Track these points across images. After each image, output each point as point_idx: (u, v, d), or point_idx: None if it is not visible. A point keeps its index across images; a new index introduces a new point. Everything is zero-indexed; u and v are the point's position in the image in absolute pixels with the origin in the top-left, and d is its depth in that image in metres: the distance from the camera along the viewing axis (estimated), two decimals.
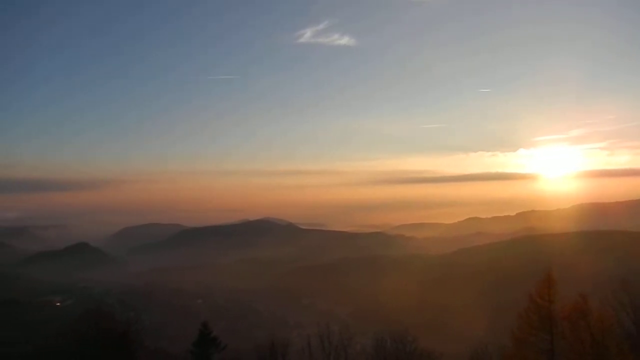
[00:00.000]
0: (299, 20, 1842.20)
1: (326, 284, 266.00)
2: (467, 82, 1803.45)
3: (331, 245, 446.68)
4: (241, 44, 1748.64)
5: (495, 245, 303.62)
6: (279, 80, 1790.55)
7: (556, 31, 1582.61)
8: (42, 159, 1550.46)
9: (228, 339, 54.86)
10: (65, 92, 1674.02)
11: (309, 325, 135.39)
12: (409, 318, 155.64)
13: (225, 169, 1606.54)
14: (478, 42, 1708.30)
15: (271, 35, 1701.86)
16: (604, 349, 34.34)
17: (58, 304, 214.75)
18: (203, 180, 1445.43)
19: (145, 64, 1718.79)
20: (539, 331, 37.26)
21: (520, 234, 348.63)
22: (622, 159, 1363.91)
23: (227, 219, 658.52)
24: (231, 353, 55.94)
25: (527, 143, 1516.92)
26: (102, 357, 49.78)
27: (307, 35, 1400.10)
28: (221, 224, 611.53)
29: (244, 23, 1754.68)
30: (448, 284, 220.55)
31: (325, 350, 47.48)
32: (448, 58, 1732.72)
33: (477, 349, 51.55)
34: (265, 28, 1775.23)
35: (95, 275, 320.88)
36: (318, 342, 48.14)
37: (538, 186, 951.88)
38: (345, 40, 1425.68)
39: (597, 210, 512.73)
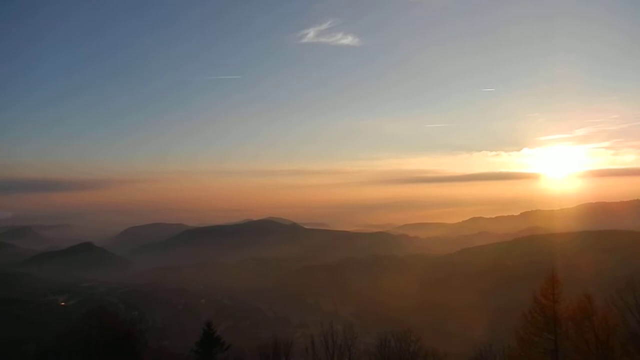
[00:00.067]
0: (303, 20, 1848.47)
1: (330, 283, 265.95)
2: (471, 82, 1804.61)
3: (335, 245, 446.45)
4: (244, 44, 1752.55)
5: (499, 245, 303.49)
6: (283, 80, 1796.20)
7: (560, 30, 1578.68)
8: (44, 159, 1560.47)
9: (231, 339, 54.85)
10: (65, 93, 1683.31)
11: (313, 324, 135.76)
12: (412, 318, 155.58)
13: (228, 169, 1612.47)
14: (481, 41, 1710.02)
15: (275, 35, 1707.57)
16: (609, 350, 34.19)
17: (62, 303, 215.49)
18: (206, 180, 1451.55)
19: (147, 64, 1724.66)
20: (544, 331, 37.13)
21: (524, 233, 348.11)
22: (626, 159, 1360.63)
23: (231, 219, 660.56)
24: (235, 353, 55.88)
25: (531, 142, 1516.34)
26: (106, 357, 49.81)
27: (310, 35, 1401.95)
28: (224, 223, 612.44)
29: (247, 23, 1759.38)
30: (451, 284, 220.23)
31: (329, 350, 47.29)
32: (451, 57, 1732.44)
33: (481, 348, 51.34)
34: (269, 28, 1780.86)
35: (98, 275, 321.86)
36: (322, 341, 47.95)
37: (542, 186, 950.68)
38: (348, 40, 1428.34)
39: (602, 209, 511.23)
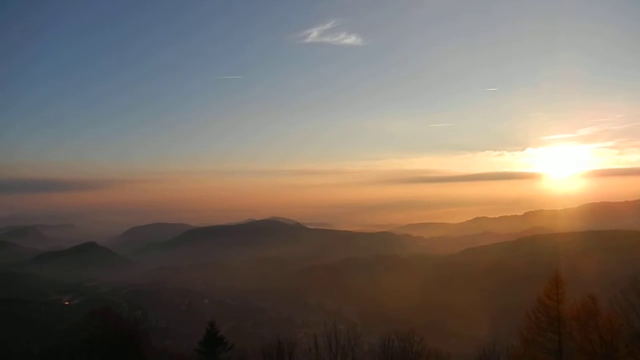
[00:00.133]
0: (306, 19, 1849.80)
1: (333, 283, 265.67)
2: (474, 81, 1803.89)
3: (338, 245, 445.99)
4: (246, 44, 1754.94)
5: (502, 245, 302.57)
6: (285, 79, 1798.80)
7: (563, 28, 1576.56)
8: (44, 159, 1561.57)
9: (235, 339, 54.94)
10: (65, 92, 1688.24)
11: (316, 324, 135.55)
12: (415, 318, 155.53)
13: (231, 168, 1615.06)
14: (484, 41, 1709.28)
15: (278, 35, 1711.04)
16: (613, 350, 34.06)
17: (66, 303, 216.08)
18: (208, 180, 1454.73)
19: (150, 63, 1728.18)
20: (547, 331, 37.08)
21: (527, 233, 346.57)
22: (631, 158, 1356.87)
23: (234, 219, 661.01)
24: (238, 352, 56.01)
25: (535, 142, 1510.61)
26: (110, 356, 49.90)
27: (313, 34, 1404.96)
28: (227, 223, 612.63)
29: (250, 23, 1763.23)
30: (455, 284, 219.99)
31: (332, 350, 47.28)
32: (454, 57, 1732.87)
33: (485, 349, 51.20)
34: (272, 28, 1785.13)
35: (102, 275, 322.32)
36: (325, 341, 47.97)
37: (546, 185, 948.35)
38: (351, 40, 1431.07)
39: (606, 209, 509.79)
